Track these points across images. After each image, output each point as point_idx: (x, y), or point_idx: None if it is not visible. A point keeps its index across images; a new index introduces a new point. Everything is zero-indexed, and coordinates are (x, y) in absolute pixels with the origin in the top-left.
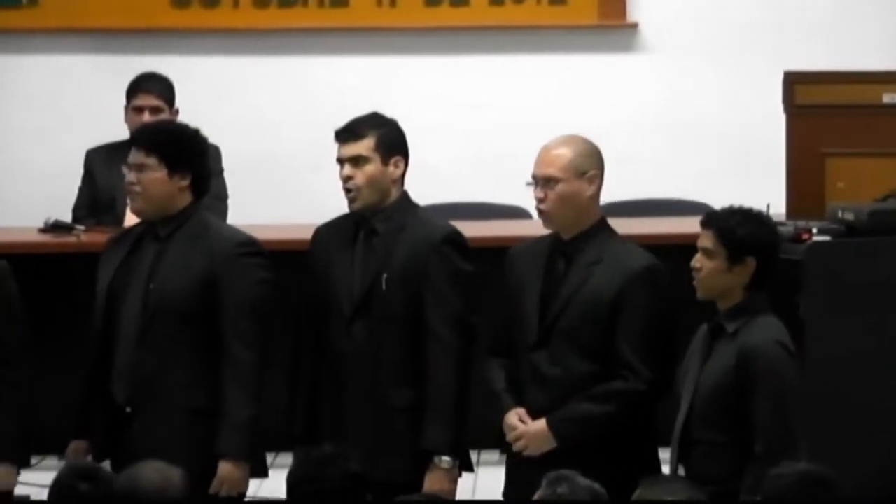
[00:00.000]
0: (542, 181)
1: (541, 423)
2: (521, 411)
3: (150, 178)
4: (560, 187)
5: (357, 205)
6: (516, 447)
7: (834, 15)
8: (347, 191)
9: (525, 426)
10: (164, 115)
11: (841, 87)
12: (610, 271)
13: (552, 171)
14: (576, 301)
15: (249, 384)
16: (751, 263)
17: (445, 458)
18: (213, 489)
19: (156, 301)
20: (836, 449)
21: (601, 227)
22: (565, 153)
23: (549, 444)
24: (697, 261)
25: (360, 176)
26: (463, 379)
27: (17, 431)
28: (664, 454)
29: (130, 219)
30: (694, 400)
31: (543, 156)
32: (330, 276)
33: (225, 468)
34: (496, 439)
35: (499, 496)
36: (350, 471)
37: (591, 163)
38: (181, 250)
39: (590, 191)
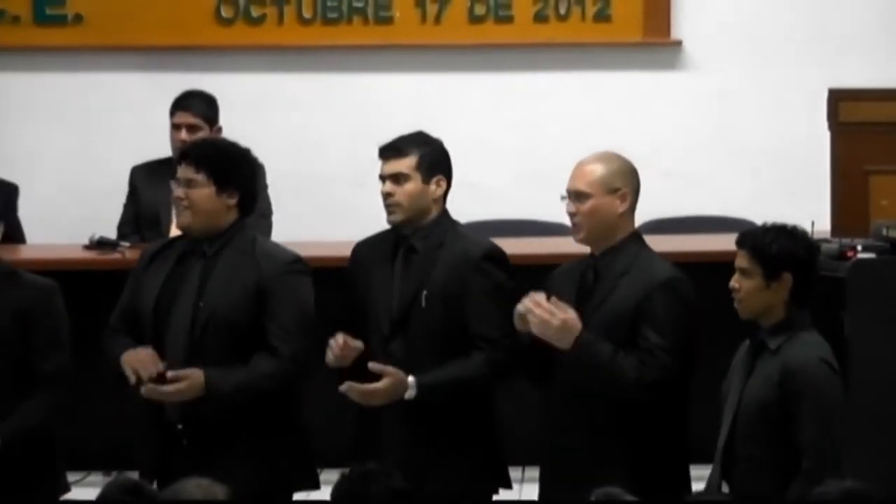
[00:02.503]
0: (573, 195)
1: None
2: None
3: (199, 193)
4: (590, 202)
5: (394, 218)
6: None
7: (879, 31)
8: (387, 206)
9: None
10: (202, 133)
11: (885, 105)
12: (633, 283)
13: (582, 186)
14: (600, 312)
15: (271, 379)
16: (787, 279)
17: (412, 392)
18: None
19: (205, 318)
20: (881, 466)
21: (631, 242)
22: (597, 169)
23: None
24: (735, 281)
25: (400, 193)
26: (484, 382)
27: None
28: (696, 471)
29: (174, 234)
30: (737, 416)
31: (576, 171)
32: (369, 292)
33: (196, 377)
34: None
35: None
36: (393, 487)
37: (622, 180)
38: (228, 268)
39: (620, 208)
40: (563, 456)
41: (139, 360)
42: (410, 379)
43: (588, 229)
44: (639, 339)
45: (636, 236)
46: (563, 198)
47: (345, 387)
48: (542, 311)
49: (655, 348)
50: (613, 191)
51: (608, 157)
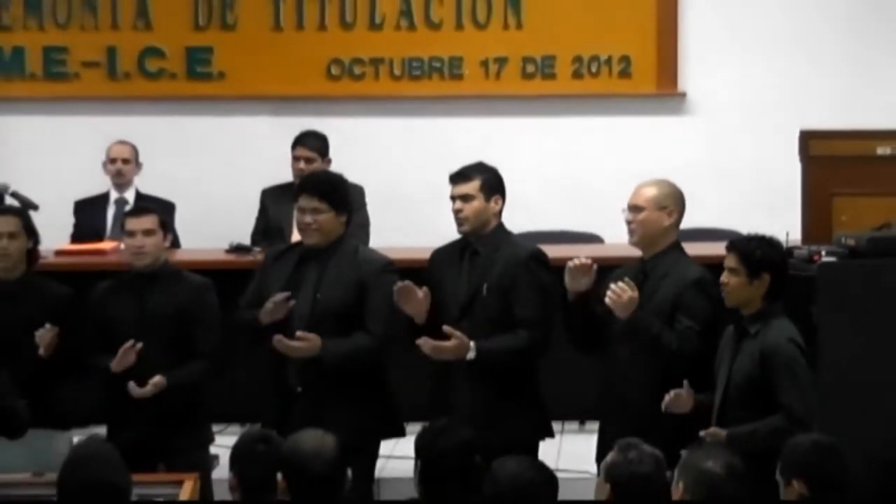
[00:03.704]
0: (631, 208)
1: None
2: None
3: (324, 218)
4: (643, 215)
5: (463, 229)
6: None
7: (841, 86)
8: (457, 220)
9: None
10: (316, 164)
11: (844, 142)
12: (672, 282)
13: (639, 201)
14: (648, 305)
15: (367, 352)
16: (766, 278)
17: (472, 353)
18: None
19: (321, 307)
20: (844, 426)
21: (674, 249)
22: (651, 190)
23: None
24: (725, 277)
25: (468, 209)
26: (526, 353)
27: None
28: None
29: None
30: (727, 388)
31: (636, 190)
32: (443, 286)
33: (316, 340)
34: (576, 411)
35: (577, 459)
36: (462, 438)
37: (671, 201)
38: (338, 269)
39: (667, 221)
40: (620, 412)
41: (275, 308)
42: (472, 343)
43: (640, 235)
44: (675, 323)
45: (677, 245)
46: (623, 210)
47: (421, 340)
48: (617, 288)
49: (687, 329)
50: (662, 208)
51: (662, 183)
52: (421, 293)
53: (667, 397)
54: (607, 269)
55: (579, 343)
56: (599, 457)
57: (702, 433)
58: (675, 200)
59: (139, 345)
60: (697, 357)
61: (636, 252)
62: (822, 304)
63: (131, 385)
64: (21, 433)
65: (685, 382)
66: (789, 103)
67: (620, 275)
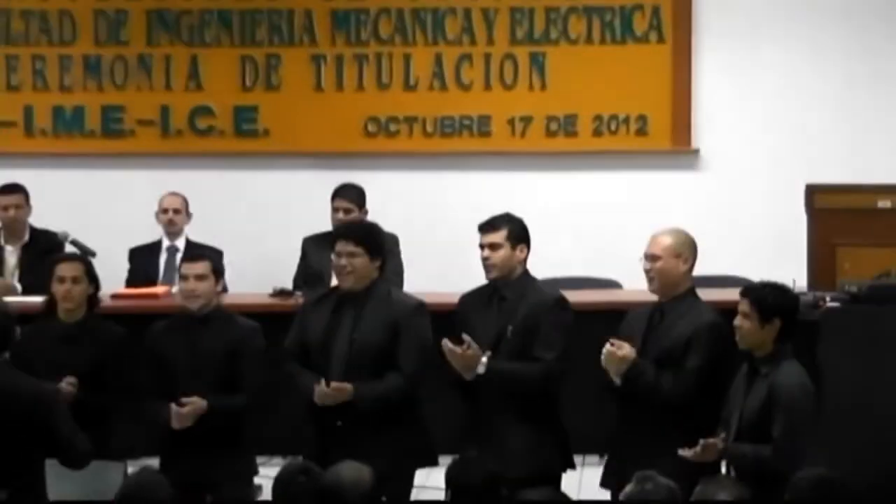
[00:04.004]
0: (649, 257)
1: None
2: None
3: (359, 262)
4: (660, 263)
5: (491, 275)
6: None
7: (844, 144)
8: (485, 266)
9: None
10: (354, 214)
11: (847, 196)
12: (688, 324)
13: (656, 251)
14: (664, 342)
15: (400, 392)
16: (777, 323)
17: (482, 368)
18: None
19: (358, 347)
20: (847, 457)
21: (689, 294)
22: (667, 239)
23: None
24: (738, 321)
25: (495, 257)
26: (538, 384)
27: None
28: None
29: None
30: (740, 423)
31: (652, 239)
32: (472, 327)
33: (349, 389)
34: (596, 445)
35: (597, 489)
36: (490, 470)
37: (685, 249)
38: (373, 311)
39: (683, 268)
40: (631, 443)
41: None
42: (483, 358)
43: (659, 282)
44: (684, 361)
45: (692, 290)
46: (640, 259)
47: (445, 341)
48: (612, 348)
49: (693, 370)
50: (678, 255)
51: (676, 232)
52: (464, 349)
53: (695, 449)
54: (625, 312)
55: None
56: (604, 481)
57: (701, 442)
58: (688, 248)
59: (201, 403)
60: (700, 395)
61: (652, 297)
62: (826, 347)
63: (173, 406)
64: (83, 466)
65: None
66: (796, 159)
67: (636, 317)
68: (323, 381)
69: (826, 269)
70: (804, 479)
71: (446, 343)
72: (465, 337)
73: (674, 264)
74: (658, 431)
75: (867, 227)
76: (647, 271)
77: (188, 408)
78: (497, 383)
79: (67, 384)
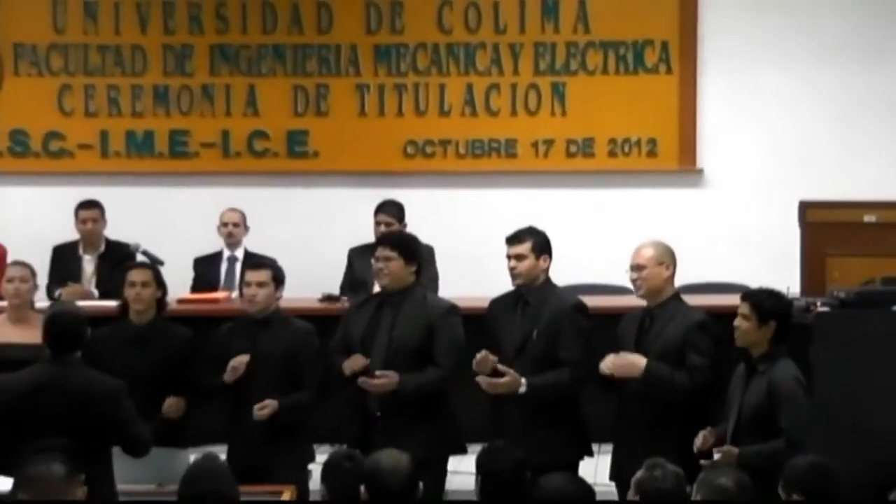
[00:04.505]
0: (634, 267)
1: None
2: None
3: (394, 265)
4: (646, 272)
5: (517, 282)
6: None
7: (834, 162)
8: (512, 275)
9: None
10: (395, 228)
11: (836, 211)
12: (678, 325)
13: (641, 261)
14: (656, 345)
15: (436, 384)
16: (773, 325)
17: (524, 388)
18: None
19: (396, 345)
20: (835, 449)
21: (675, 298)
22: (650, 251)
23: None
24: (738, 322)
25: (521, 266)
26: (569, 388)
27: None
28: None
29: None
30: (739, 417)
31: (636, 252)
32: (499, 330)
33: (394, 377)
34: (610, 434)
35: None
36: (515, 457)
37: (667, 257)
38: (409, 313)
39: (666, 274)
40: (631, 436)
41: (353, 360)
42: (523, 380)
43: (645, 289)
44: (686, 360)
45: (677, 295)
46: (626, 270)
47: (480, 378)
48: (615, 359)
49: (699, 366)
50: (660, 263)
51: (657, 243)
52: (494, 359)
53: (698, 440)
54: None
55: (604, 387)
56: (613, 474)
57: (716, 451)
58: (669, 256)
59: (246, 358)
60: (705, 388)
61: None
62: (818, 347)
63: (256, 409)
64: (144, 454)
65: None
66: (790, 178)
67: (627, 322)
68: (364, 378)
69: (817, 277)
70: (798, 464)
71: (484, 380)
72: (501, 367)
73: (658, 272)
74: (655, 425)
75: (854, 239)
76: (633, 280)
77: (266, 410)
78: (537, 399)
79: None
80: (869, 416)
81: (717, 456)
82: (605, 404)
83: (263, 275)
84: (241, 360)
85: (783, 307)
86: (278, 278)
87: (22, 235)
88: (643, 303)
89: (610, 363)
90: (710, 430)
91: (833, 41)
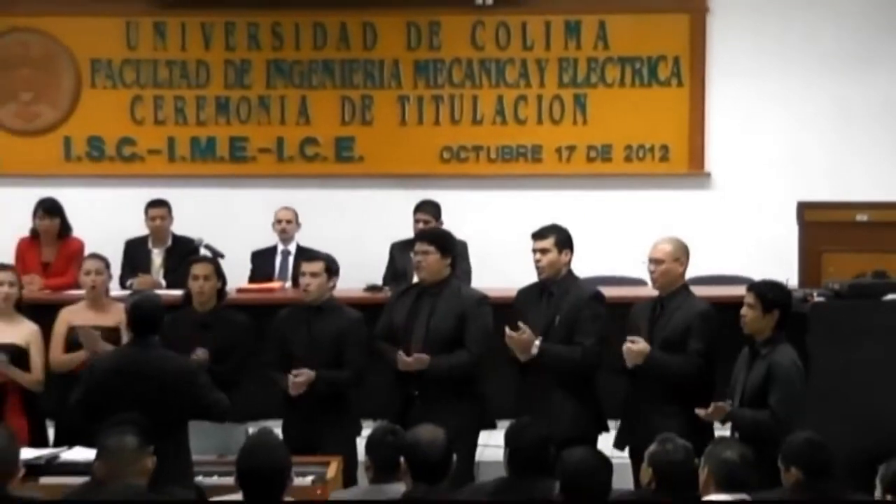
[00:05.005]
0: (652, 261)
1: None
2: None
3: (431, 259)
4: (663, 266)
5: (542, 275)
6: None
7: (830, 166)
8: (537, 268)
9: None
10: (432, 224)
11: (831, 211)
12: (684, 313)
13: (659, 255)
14: (665, 331)
15: (466, 366)
16: (776, 313)
17: (535, 349)
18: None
19: (432, 332)
20: (829, 427)
21: (684, 289)
22: (668, 246)
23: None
24: (744, 311)
25: (545, 260)
26: (579, 364)
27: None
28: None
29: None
30: (743, 395)
31: (655, 246)
32: (526, 317)
33: (426, 358)
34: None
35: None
36: (540, 432)
37: (681, 253)
38: (445, 302)
39: (679, 269)
40: (639, 414)
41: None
42: (537, 342)
43: (661, 282)
44: (687, 346)
45: (686, 286)
46: (643, 262)
47: (507, 332)
48: (630, 345)
49: (696, 352)
50: (676, 259)
51: (673, 240)
52: (518, 335)
53: (707, 410)
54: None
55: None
56: (617, 442)
57: (713, 404)
58: (684, 252)
59: (310, 377)
60: (701, 372)
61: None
62: (814, 334)
63: (290, 378)
64: (226, 418)
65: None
66: (789, 181)
67: (640, 309)
68: (402, 352)
69: (814, 271)
70: (795, 439)
71: (508, 330)
72: (521, 325)
73: (673, 266)
74: (661, 401)
75: (848, 237)
76: (651, 272)
77: (301, 377)
78: (547, 362)
79: (198, 355)
80: (860, 395)
81: (711, 409)
82: (618, 385)
83: (317, 266)
84: (306, 378)
85: (785, 297)
86: (331, 269)
87: (98, 231)
88: (654, 293)
89: (629, 349)
90: (721, 405)
91: (828, 55)
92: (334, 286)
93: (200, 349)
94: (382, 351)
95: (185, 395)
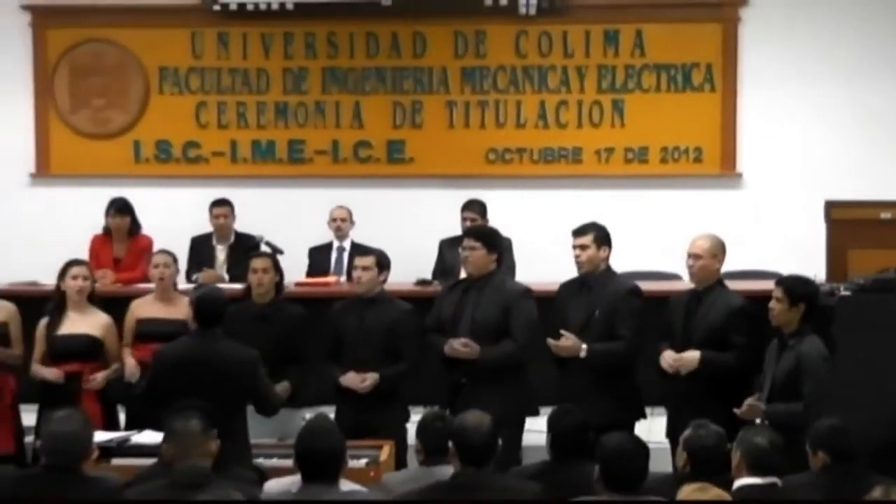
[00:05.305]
0: (692, 256)
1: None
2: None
3: (477, 254)
4: (701, 261)
5: (582, 270)
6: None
7: (856, 166)
8: (577, 263)
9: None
10: (479, 222)
11: (856, 209)
12: (720, 307)
13: (697, 251)
14: (703, 324)
15: (511, 356)
16: (803, 306)
17: (584, 353)
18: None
19: (478, 323)
20: (854, 413)
21: (719, 284)
22: (706, 243)
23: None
24: (772, 304)
25: (584, 256)
26: (623, 357)
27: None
28: None
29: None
30: (772, 385)
31: (693, 242)
32: (567, 310)
33: (476, 347)
34: (662, 399)
35: (662, 434)
36: (580, 418)
37: (718, 249)
38: (490, 295)
39: (717, 265)
40: (681, 401)
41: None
42: (584, 346)
43: (699, 276)
44: (729, 339)
45: (721, 281)
46: (687, 257)
47: (550, 341)
48: (672, 362)
49: (742, 345)
50: (714, 256)
51: (711, 236)
52: (563, 344)
53: (743, 408)
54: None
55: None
56: (668, 432)
57: (747, 401)
58: (721, 249)
59: (368, 382)
60: (745, 365)
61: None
62: (840, 326)
63: (358, 381)
64: (275, 413)
65: (756, 396)
66: (817, 181)
67: (676, 303)
68: (451, 339)
69: (840, 266)
70: (821, 425)
71: (551, 342)
72: (564, 332)
73: (710, 262)
74: (703, 393)
75: (872, 234)
76: (689, 267)
77: (367, 383)
78: (593, 362)
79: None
80: (883, 384)
81: (745, 408)
82: (656, 374)
83: (368, 260)
84: (372, 382)
85: (811, 291)
86: (381, 263)
87: (165, 228)
88: (689, 286)
89: (671, 361)
90: (756, 401)
91: (853, 62)
92: (385, 280)
93: (285, 381)
94: (433, 342)
95: (244, 384)
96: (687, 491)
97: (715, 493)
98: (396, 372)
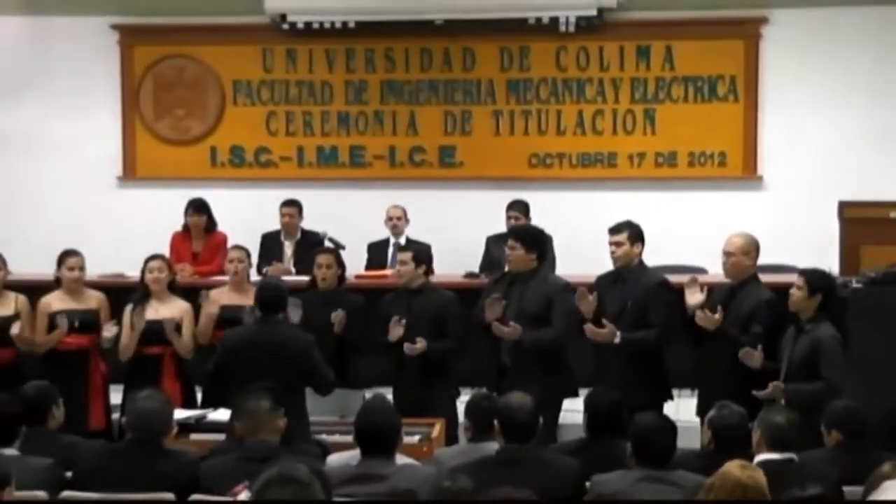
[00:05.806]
0: (726, 254)
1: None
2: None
3: (517, 254)
4: (734, 258)
5: (617, 265)
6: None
7: (868, 169)
8: (613, 258)
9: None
10: (522, 221)
11: (868, 209)
12: (751, 300)
13: (731, 249)
14: (736, 315)
15: (552, 341)
16: (819, 296)
17: (618, 339)
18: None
19: (523, 312)
20: (865, 396)
21: (752, 278)
22: (739, 240)
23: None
24: (792, 291)
25: (619, 251)
26: (653, 344)
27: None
28: None
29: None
30: (789, 369)
31: (728, 240)
32: (603, 301)
33: (519, 329)
34: (689, 382)
35: (689, 414)
36: (614, 399)
37: (751, 247)
38: (533, 288)
39: (749, 262)
40: (711, 383)
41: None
42: (618, 333)
43: (732, 272)
44: (750, 328)
45: (755, 276)
46: (720, 254)
47: (587, 326)
48: (704, 315)
49: (756, 334)
50: (746, 252)
51: (745, 234)
52: (591, 298)
53: (742, 351)
54: (709, 289)
55: (693, 339)
56: (698, 410)
57: (771, 384)
58: (754, 246)
59: (403, 320)
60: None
61: (725, 280)
62: (853, 315)
63: (407, 345)
64: (329, 393)
65: (759, 347)
66: (831, 183)
67: (717, 295)
68: (497, 323)
69: (853, 261)
70: (835, 406)
71: (589, 328)
72: (605, 322)
73: (742, 259)
74: (730, 375)
75: (883, 232)
76: (724, 263)
77: (418, 346)
78: (626, 349)
79: (338, 314)
80: (892, 367)
81: (770, 389)
82: (683, 359)
83: (406, 255)
84: (422, 347)
85: (828, 283)
86: (417, 258)
87: (239, 226)
88: (710, 280)
89: (701, 318)
90: (759, 353)
91: (866, 76)
92: (425, 272)
93: (340, 309)
94: (478, 317)
95: (302, 366)
96: (731, 466)
97: (750, 472)
98: (444, 347)
